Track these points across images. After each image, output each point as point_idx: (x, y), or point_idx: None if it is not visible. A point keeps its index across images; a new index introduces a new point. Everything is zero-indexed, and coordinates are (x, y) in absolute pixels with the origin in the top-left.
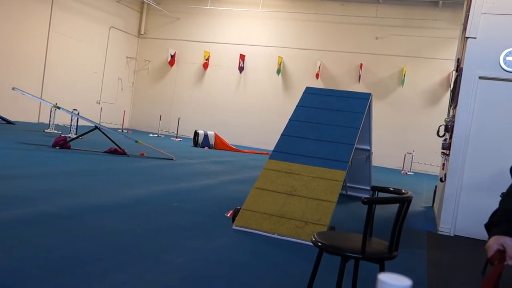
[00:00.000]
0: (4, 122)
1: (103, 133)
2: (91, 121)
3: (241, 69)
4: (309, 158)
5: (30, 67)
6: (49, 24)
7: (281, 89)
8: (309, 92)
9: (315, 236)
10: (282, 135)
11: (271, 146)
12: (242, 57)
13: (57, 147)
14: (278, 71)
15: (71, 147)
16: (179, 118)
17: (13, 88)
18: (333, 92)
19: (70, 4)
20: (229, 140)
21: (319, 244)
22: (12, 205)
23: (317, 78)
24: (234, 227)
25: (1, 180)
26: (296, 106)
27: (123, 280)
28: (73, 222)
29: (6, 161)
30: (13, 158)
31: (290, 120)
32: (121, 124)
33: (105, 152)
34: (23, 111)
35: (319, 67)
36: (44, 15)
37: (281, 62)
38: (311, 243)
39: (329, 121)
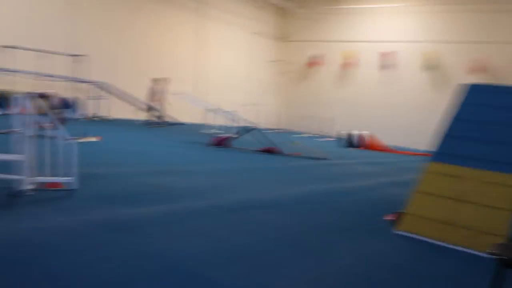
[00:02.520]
0: (175, 124)
1: (260, 133)
2: (249, 121)
3: (386, 66)
4: (478, 161)
5: (192, 73)
6: (197, 33)
7: (429, 86)
8: (474, 89)
9: (495, 248)
10: (446, 135)
11: (421, 146)
12: (386, 54)
13: (219, 146)
14: (427, 67)
15: (231, 146)
16: (331, 119)
17: (175, 94)
18: (504, 88)
19: (215, 13)
20: (384, 140)
21: (504, 258)
22: (185, 197)
23: (473, 72)
24: (395, 231)
25: (176, 176)
26: (462, 104)
27: (287, 274)
28: (240, 216)
29: (178, 159)
30: (183, 156)
31: (455, 119)
32: (276, 125)
33: (262, 151)
34: (190, 114)
35: (475, 61)
36: (192, 25)
37: (429, 58)
38: (485, 255)
39: (501, 120)
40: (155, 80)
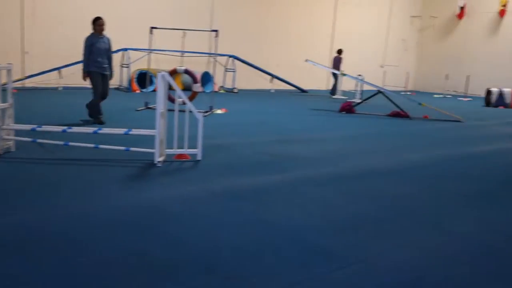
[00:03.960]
0: (299, 91)
1: (386, 96)
2: (375, 85)
3: None
4: None
5: (319, 39)
6: None
7: None
8: None
9: None
10: None
11: None
12: None
13: (343, 112)
14: None
15: (356, 112)
16: (468, 76)
17: (306, 60)
18: None
19: None
20: None
21: None
22: (304, 166)
23: None
24: None
25: (297, 144)
26: None
27: (402, 243)
28: (359, 183)
29: (301, 127)
30: (307, 124)
31: None
32: (405, 86)
33: (388, 115)
34: (314, 80)
35: None
36: None
37: None
38: None
39: None
40: (339, 51)
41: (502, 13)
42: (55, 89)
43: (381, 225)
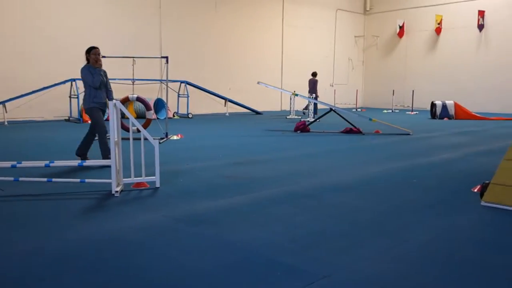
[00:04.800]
0: (253, 113)
1: (338, 114)
2: (326, 104)
3: (480, 27)
4: None
5: (270, 61)
6: (282, 19)
7: None
8: None
9: None
10: None
11: None
12: (481, 13)
13: (298, 131)
14: None
15: (311, 130)
16: (413, 91)
17: (258, 82)
18: None
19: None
20: (472, 108)
21: None
22: (264, 186)
23: None
24: (482, 203)
25: (255, 165)
26: None
27: (366, 255)
28: (318, 200)
29: (258, 148)
30: (264, 145)
31: None
32: (355, 103)
33: (341, 132)
34: (268, 102)
35: None
36: (277, 11)
37: None
38: None
39: None
40: (314, 73)
41: (438, 30)
42: (2, 123)
43: (344, 239)
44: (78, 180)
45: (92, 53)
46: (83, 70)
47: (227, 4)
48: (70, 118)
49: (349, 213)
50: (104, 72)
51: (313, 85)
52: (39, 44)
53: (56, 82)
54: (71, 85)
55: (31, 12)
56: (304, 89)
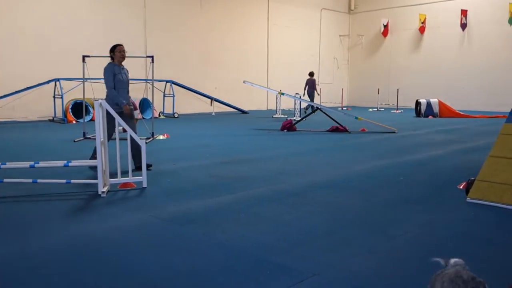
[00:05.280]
0: (240, 112)
1: (324, 113)
2: (313, 103)
3: (463, 26)
4: None
5: (255, 60)
6: (267, 17)
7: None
8: None
9: None
10: None
11: (507, 108)
12: (463, 12)
13: (284, 130)
14: (510, 21)
15: (297, 129)
16: (398, 89)
17: (244, 81)
18: None
19: None
20: (456, 105)
21: None
22: (251, 185)
23: None
24: (468, 199)
25: (242, 164)
26: None
27: (354, 252)
28: (305, 198)
29: (244, 147)
30: (251, 144)
31: None
32: (340, 102)
33: (328, 130)
34: (253, 101)
35: None
36: (262, 10)
37: None
38: None
39: None
40: (311, 73)
41: (422, 29)
42: None
43: (332, 236)
44: (64, 181)
45: (117, 51)
46: (106, 69)
47: (212, 3)
48: (55, 118)
49: (336, 210)
50: (127, 71)
51: (312, 84)
52: (22, 44)
53: (40, 82)
54: (55, 85)
55: (13, 11)
56: (290, 88)
